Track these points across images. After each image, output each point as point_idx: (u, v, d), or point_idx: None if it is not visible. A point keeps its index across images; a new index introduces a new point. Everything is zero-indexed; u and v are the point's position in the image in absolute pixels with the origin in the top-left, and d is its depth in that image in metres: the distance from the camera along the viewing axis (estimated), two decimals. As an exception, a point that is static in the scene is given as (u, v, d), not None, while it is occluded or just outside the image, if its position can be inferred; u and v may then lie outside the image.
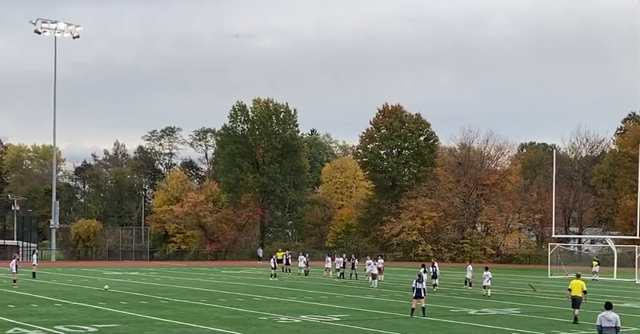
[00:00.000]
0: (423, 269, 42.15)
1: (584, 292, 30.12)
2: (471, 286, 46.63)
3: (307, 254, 63.78)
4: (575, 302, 29.62)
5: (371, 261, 50.56)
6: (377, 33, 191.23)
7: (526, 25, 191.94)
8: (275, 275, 55.14)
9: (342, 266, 56.29)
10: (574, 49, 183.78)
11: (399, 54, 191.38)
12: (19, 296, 37.04)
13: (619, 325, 18.48)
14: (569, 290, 30.27)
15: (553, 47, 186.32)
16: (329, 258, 59.67)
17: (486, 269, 41.96)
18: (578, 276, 31.21)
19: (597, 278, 59.35)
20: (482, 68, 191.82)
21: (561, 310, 34.48)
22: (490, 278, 41.31)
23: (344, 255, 59.90)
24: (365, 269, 51.32)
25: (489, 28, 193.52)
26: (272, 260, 57.04)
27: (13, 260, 45.11)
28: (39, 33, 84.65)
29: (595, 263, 62.10)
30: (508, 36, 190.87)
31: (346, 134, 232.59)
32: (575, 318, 29.37)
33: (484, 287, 41.01)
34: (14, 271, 44.27)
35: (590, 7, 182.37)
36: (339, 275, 55.67)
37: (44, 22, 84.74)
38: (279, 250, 71.55)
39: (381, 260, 51.74)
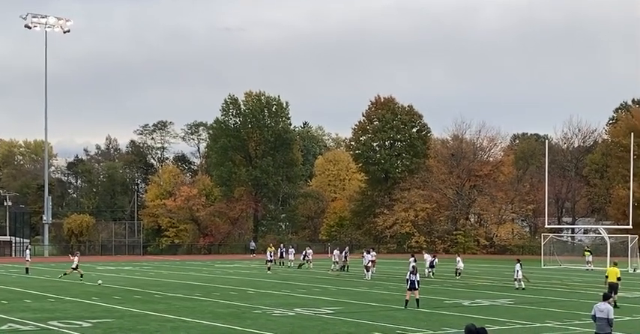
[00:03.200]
0: (413, 259, 44.61)
1: (619, 279, 32.66)
2: (459, 275, 48.06)
3: (295, 247, 65.38)
4: (612, 287, 31.60)
5: (366, 254, 50.64)
6: (369, 25, 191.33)
7: (517, 17, 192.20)
8: (274, 264, 55.87)
9: (341, 259, 55.63)
10: (565, 40, 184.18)
11: (391, 46, 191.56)
12: (12, 292, 36.93)
13: (611, 317, 18.52)
14: (606, 277, 32.74)
15: (544, 38, 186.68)
16: (336, 252, 59.06)
17: (518, 261, 41.45)
18: (615, 264, 34.17)
19: (591, 267, 59.53)
20: (475, 60, 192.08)
21: (555, 300, 34.56)
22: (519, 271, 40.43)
23: (339, 248, 59.81)
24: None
25: (481, 20, 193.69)
26: (268, 253, 57.04)
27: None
28: (29, 28, 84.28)
29: (587, 253, 62.27)
30: (500, 27, 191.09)
31: (339, 126, 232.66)
32: (615, 303, 30.23)
33: (516, 279, 40.38)
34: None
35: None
36: (339, 267, 55.45)
37: (34, 17, 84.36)
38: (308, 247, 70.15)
39: (373, 253, 51.67)
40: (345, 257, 55.63)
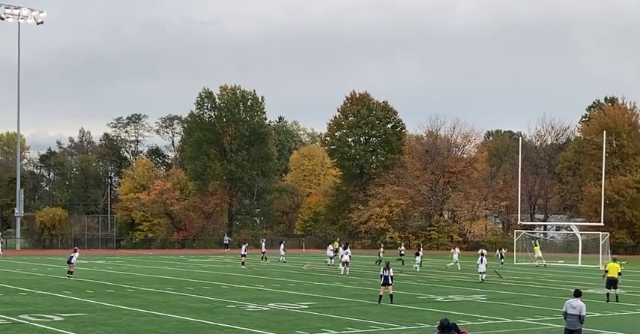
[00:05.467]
0: (382, 249, 46.03)
1: (619, 274, 33.32)
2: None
3: (264, 240, 66.28)
4: (611, 282, 32.75)
5: (339, 249, 50.95)
6: (344, 19, 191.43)
7: (492, 13, 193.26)
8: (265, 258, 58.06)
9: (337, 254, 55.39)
10: (539, 37, 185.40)
11: (366, 40, 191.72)
12: (-17, 286, 36.60)
13: (583, 313, 18.67)
14: (606, 271, 33.36)
15: (519, 35, 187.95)
16: (331, 246, 59.23)
17: (482, 254, 43.88)
18: (614, 260, 34.82)
19: (543, 263, 60.11)
20: (449, 55, 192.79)
21: (526, 296, 34.85)
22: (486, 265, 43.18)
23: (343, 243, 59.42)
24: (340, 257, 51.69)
25: (455, 16, 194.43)
26: (243, 247, 57.06)
27: None
28: (2, 19, 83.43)
29: (537, 248, 62.88)
30: (474, 23, 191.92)
31: (314, 121, 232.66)
32: (608, 296, 32.54)
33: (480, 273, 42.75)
34: None
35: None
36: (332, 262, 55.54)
37: (7, 8, 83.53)
38: (336, 241, 70.00)
39: (347, 250, 51.80)
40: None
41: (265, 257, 60.92)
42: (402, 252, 60.99)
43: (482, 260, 42.98)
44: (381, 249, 62.83)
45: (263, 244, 63.81)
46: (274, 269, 51.34)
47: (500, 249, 59.64)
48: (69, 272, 42.27)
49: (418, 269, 51.91)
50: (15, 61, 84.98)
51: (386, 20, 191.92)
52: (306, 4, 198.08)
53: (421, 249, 58.81)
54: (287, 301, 30.70)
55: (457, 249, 57.87)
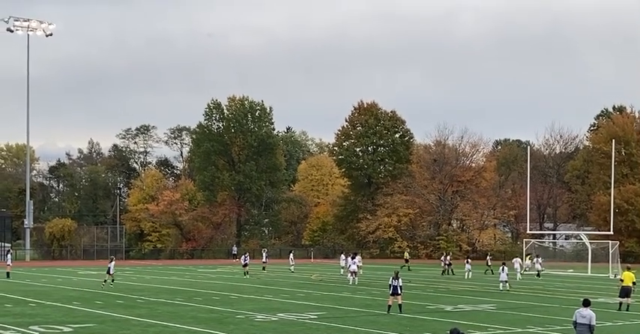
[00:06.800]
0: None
1: (634, 283, 33.78)
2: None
3: (266, 250, 67.21)
4: (624, 291, 33.04)
5: (348, 259, 50.94)
6: (348, 31, 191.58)
7: (496, 22, 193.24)
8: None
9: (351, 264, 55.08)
10: (545, 46, 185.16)
11: (371, 51, 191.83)
12: (-7, 297, 36.69)
13: (593, 323, 18.60)
14: (621, 280, 33.79)
15: (524, 44, 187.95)
16: (343, 256, 58.76)
17: (503, 264, 44.95)
18: (628, 269, 34.72)
19: (529, 271, 60.10)
20: (456, 65, 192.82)
21: (536, 305, 34.74)
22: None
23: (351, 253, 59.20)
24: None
25: (460, 26, 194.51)
26: (243, 257, 56.96)
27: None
28: (11, 31, 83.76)
29: (528, 258, 63.12)
30: (479, 33, 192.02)
31: (322, 132, 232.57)
32: (621, 305, 32.80)
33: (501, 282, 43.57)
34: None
35: (560, 4, 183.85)
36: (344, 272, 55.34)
37: (17, 20, 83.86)
38: (406, 251, 75.58)
39: (358, 257, 51.90)
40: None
41: (264, 268, 60.82)
42: (449, 262, 60.65)
43: (503, 269, 43.60)
44: (449, 259, 61.69)
45: (264, 254, 64.10)
46: (283, 280, 51.29)
47: (530, 258, 60.20)
48: (105, 281, 43.23)
49: (470, 276, 54.31)
50: (24, 73, 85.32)
51: (390, 31, 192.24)
52: (310, 16, 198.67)
53: (470, 258, 61.43)
54: (296, 311, 30.68)
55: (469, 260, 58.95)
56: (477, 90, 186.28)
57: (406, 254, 72.56)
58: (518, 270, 55.39)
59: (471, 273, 55.15)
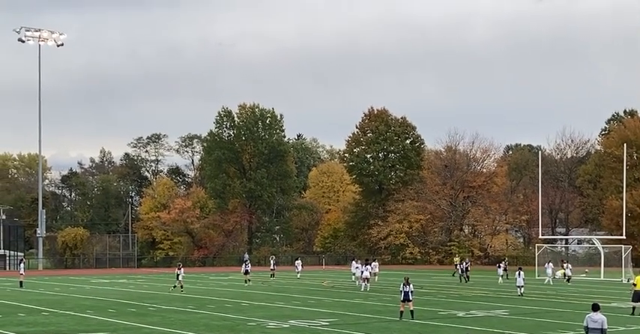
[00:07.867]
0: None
1: None
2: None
3: (274, 257, 67.24)
4: (637, 295, 33.09)
5: (359, 265, 50.98)
6: (358, 38, 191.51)
7: (506, 28, 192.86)
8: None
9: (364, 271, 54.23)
10: (555, 51, 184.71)
11: (381, 58, 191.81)
12: (6, 306, 36.85)
13: (605, 327, 18.57)
14: (634, 285, 33.71)
15: (535, 49, 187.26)
16: (354, 263, 57.73)
17: (520, 269, 44.90)
18: None
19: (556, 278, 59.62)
20: (466, 71, 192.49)
21: (549, 311, 34.64)
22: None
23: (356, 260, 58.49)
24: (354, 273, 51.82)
25: (471, 31, 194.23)
26: (243, 265, 56.91)
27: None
28: (23, 41, 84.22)
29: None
30: (490, 38, 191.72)
31: (333, 138, 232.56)
32: (634, 309, 32.86)
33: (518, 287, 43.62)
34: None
35: (570, 9, 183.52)
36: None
37: (28, 31, 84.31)
38: (457, 256, 74.60)
39: (375, 263, 51.94)
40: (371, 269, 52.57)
41: (273, 275, 60.86)
42: (468, 267, 58.90)
43: (519, 274, 43.59)
44: (464, 265, 59.14)
45: (272, 262, 64.09)
46: (294, 286, 51.32)
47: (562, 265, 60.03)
48: (174, 286, 46.00)
49: (501, 281, 54.70)
50: (36, 83, 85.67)
51: (399, 37, 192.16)
52: (320, 24, 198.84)
53: (504, 262, 60.78)
54: (307, 318, 30.70)
55: (502, 264, 58.93)
56: (488, 95, 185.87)
57: (456, 259, 66.68)
58: (550, 275, 55.54)
59: (501, 279, 55.36)
